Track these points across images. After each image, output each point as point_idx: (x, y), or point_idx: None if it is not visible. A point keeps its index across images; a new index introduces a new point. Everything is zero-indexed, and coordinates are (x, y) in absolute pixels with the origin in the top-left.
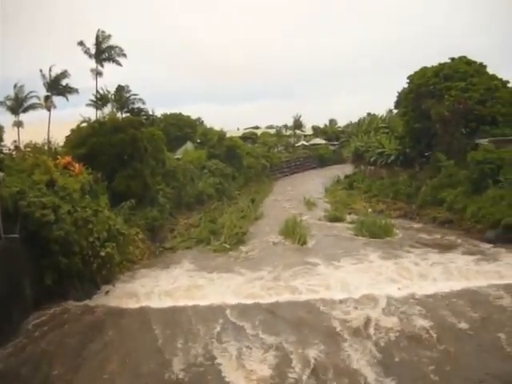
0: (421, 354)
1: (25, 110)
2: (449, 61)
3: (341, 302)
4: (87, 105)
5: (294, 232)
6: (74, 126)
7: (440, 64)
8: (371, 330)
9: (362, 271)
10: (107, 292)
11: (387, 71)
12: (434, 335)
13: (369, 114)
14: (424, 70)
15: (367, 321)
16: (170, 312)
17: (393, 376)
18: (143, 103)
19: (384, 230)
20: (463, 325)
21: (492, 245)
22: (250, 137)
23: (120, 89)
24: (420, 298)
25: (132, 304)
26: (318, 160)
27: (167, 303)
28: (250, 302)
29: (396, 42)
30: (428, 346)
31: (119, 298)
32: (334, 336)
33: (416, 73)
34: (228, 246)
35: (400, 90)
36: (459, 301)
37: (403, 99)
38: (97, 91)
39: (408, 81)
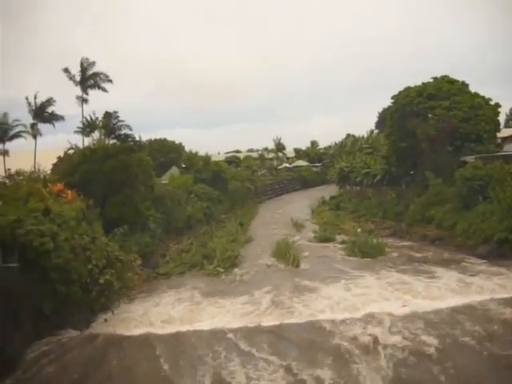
0: (431, 369)
1: (11, 139)
2: (431, 80)
3: (344, 322)
4: (75, 132)
5: (286, 254)
6: (58, 154)
7: (423, 83)
8: (379, 349)
9: (360, 290)
10: (106, 320)
11: (361, 92)
12: (441, 351)
13: (348, 135)
14: (408, 89)
15: (374, 339)
16: (173, 338)
17: None
18: (130, 129)
19: (376, 250)
20: (468, 340)
21: (485, 260)
22: (233, 161)
23: (107, 115)
24: (423, 314)
25: (133, 331)
26: (302, 182)
27: (169, 329)
28: (253, 325)
29: (370, 63)
30: (436, 361)
31: (119, 325)
32: (344, 355)
33: (400, 93)
34: (222, 270)
35: (380, 110)
36: (461, 316)
37: (388, 119)
38: (83, 118)
39: (392, 101)
